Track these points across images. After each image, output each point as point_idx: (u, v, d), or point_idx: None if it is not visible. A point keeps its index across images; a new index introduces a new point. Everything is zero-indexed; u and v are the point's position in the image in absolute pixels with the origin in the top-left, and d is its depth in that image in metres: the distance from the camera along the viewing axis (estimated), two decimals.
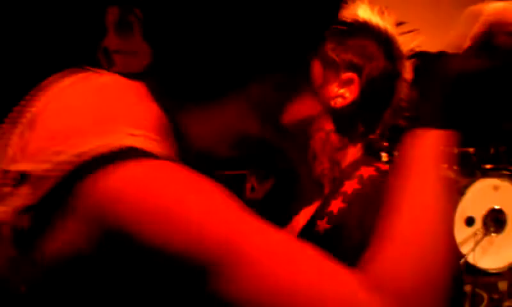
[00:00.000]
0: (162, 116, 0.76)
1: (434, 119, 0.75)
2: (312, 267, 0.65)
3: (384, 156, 3.58)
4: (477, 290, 3.13)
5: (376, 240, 0.68)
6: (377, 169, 1.00)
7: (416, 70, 1.04)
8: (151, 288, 0.68)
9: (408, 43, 1.03)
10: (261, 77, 0.76)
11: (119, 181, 0.66)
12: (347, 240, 0.92)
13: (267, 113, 0.80)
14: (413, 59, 1.04)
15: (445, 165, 0.75)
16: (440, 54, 0.81)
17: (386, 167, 1.03)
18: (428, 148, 0.75)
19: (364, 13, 1.02)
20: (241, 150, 0.85)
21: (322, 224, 0.91)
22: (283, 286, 0.64)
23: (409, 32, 1.03)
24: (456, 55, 0.78)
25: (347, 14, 1.02)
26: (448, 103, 0.75)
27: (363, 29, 1.00)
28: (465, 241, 3.18)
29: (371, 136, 1.03)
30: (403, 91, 1.02)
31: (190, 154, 0.79)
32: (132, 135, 0.70)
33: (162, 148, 0.72)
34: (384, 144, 3.56)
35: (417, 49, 1.07)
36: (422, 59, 1.03)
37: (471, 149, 3.56)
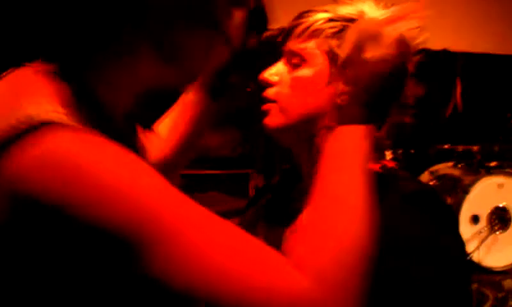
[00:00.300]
0: (69, 92, 0.73)
1: (351, 116, 0.83)
2: (243, 248, 0.68)
3: (388, 154, 3.59)
4: (482, 289, 3.12)
5: (304, 231, 0.73)
6: (383, 167, 1.01)
7: (420, 66, 1.04)
8: (76, 264, 0.67)
9: (414, 39, 1.02)
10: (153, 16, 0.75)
11: (37, 152, 0.65)
12: None
13: (174, 58, 0.79)
14: (418, 56, 1.04)
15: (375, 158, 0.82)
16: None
17: (392, 164, 1.02)
18: (346, 143, 0.82)
19: (370, 9, 1.01)
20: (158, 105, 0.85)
21: None
22: (212, 265, 0.66)
23: (416, 28, 1.02)
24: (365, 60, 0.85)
25: (352, 10, 1.01)
26: (362, 101, 0.84)
27: None
28: (470, 239, 3.17)
29: (377, 134, 1.02)
30: (410, 88, 1.02)
31: (111, 123, 0.78)
32: (41, 108, 0.69)
33: (74, 121, 0.70)
34: (389, 141, 3.56)
35: (421, 46, 1.07)
36: (426, 56, 1.03)
37: (475, 147, 3.56)
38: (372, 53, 0.86)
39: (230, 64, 1.12)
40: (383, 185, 0.95)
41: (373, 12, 1.00)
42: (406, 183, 0.97)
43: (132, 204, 0.66)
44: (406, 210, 0.92)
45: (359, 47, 0.86)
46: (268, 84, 1.04)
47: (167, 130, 1.21)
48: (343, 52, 0.89)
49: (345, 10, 1.01)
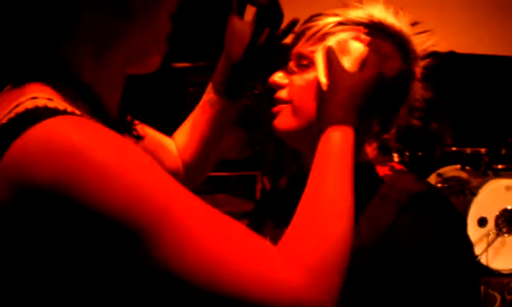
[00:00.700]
0: (64, 87, 0.76)
1: (335, 119, 0.89)
2: (238, 239, 0.72)
3: (395, 156, 3.58)
4: (490, 291, 3.11)
5: (295, 229, 0.79)
6: (392, 169, 1.01)
7: (430, 69, 1.04)
8: (78, 250, 0.69)
9: (422, 43, 1.03)
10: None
11: (40, 139, 0.67)
12: (359, 240, 0.92)
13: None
14: (427, 59, 1.05)
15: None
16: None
17: (400, 166, 1.03)
18: (331, 144, 0.88)
19: (379, 13, 1.02)
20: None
21: None
22: (210, 254, 0.69)
23: (423, 32, 1.03)
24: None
25: (362, 14, 1.02)
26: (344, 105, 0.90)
27: (379, 29, 1.01)
28: (478, 242, 3.17)
29: (386, 136, 1.03)
30: (417, 91, 1.03)
31: (109, 117, 0.80)
32: (39, 101, 0.71)
33: (72, 110, 0.72)
34: (396, 144, 3.56)
35: (430, 49, 1.07)
36: (434, 58, 1.03)
37: (483, 150, 3.55)
38: (344, 64, 0.93)
39: (245, 63, 1.13)
40: (392, 186, 0.96)
41: (382, 15, 1.01)
42: (414, 184, 0.97)
43: (137, 191, 0.68)
44: (415, 210, 0.92)
45: (331, 60, 0.94)
46: (279, 86, 1.05)
47: (187, 135, 1.21)
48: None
49: (355, 14, 1.02)
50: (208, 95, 1.18)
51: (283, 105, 1.04)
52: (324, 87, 0.94)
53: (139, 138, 0.92)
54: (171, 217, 0.69)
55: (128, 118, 0.91)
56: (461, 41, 4.40)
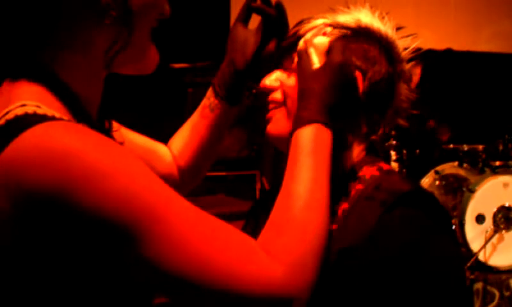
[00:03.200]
0: (47, 91, 0.77)
1: (300, 120, 0.92)
2: (223, 237, 0.76)
3: (393, 154, 3.60)
4: (488, 288, 3.13)
5: (268, 223, 0.84)
6: (380, 169, 1.02)
7: (427, 67, 1.06)
8: (72, 250, 0.71)
9: (407, 46, 1.06)
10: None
11: (31, 145, 0.69)
12: (348, 240, 0.93)
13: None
14: (415, 61, 1.07)
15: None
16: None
17: (388, 166, 1.04)
18: (298, 143, 0.90)
19: (366, 17, 1.04)
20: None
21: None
22: (201, 254, 0.73)
23: (408, 36, 1.06)
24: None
25: (350, 19, 1.03)
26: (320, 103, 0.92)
27: (365, 33, 1.03)
28: (476, 238, 3.18)
29: (374, 137, 1.05)
30: (403, 93, 1.05)
31: (91, 119, 0.82)
32: (28, 108, 0.72)
33: (60, 115, 0.74)
34: (394, 142, 3.58)
35: (424, 47, 1.09)
36: (430, 57, 1.05)
37: (480, 147, 3.56)
38: (314, 61, 0.95)
39: (248, 69, 1.14)
40: (379, 187, 0.97)
41: (369, 20, 1.03)
42: (401, 184, 0.98)
43: (130, 193, 0.70)
44: (400, 209, 0.93)
45: (299, 62, 0.97)
46: (270, 90, 1.06)
47: (184, 140, 1.22)
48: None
49: (343, 18, 1.04)
50: (209, 100, 1.19)
51: (277, 110, 1.05)
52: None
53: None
54: (162, 218, 0.72)
55: (106, 123, 0.92)
56: (458, 39, 4.41)
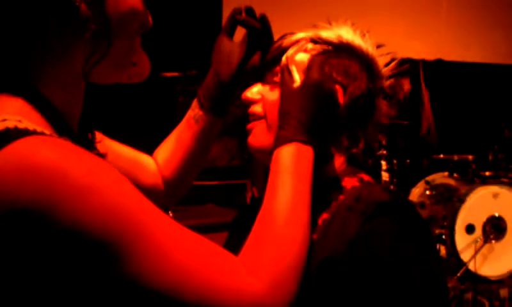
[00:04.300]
0: (28, 105, 0.77)
1: (277, 140, 0.94)
2: (205, 252, 0.77)
3: (383, 164, 3.61)
4: (478, 298, 3.13)
5: (250, 238, 0.84)
6: (360, 180, 1.04)
7: (418, 76, 1.07)
8: (55, 266, 0.70)
9: (392, 57, 1.08)
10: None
11: (13, 161, 0.68)
12: (329, 250, 0.93)
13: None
14: (403, 73, 1.09)
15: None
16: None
17: (368, 178, 1.06)
18: (278, 161, 0.92)
19: (347, 34, 1.05)
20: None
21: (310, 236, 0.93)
22: (184, 270, 0.74)
23: (387, 54, 1.08)
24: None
25: (332, 34, 1.04)
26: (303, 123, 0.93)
27: (347, 49, 1.04)
28: (466, 249, 3.19)
29: (355, 150, 1.07)
30: (383, 108, 1.07)
31: (72, 132, 0.82)
32: (8, 123, 0.71)
33: (41, 129, 0.73)
34: (384, 152, 3.59)
35: (416, 58, 1.10)
36: (419, 67, 1.06)
37: (470, 157, 3.58)
38: (295, 78, 0.97)
39: (232, 81, 1.14)
40: (359, 198, 0.98)
41: (350, 37, 1.04)
42: (381, 194, 0.99)
43: (112, 208, 0.70)
44: (379, 219, 0.93)
45: (282, 75, 0.98)
46: (251, 102, 1.06)
47: (169, 150, 1.22)
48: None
49: (325, 34, 1.04)
50: (193, 111, 1.19)
51: (257, 121, 1.05)
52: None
53: (101, 155, 0.93)
54: (144, 233, 0.72)
55: (89, 134, 0.91)
56: (449, 49, 4.44)
